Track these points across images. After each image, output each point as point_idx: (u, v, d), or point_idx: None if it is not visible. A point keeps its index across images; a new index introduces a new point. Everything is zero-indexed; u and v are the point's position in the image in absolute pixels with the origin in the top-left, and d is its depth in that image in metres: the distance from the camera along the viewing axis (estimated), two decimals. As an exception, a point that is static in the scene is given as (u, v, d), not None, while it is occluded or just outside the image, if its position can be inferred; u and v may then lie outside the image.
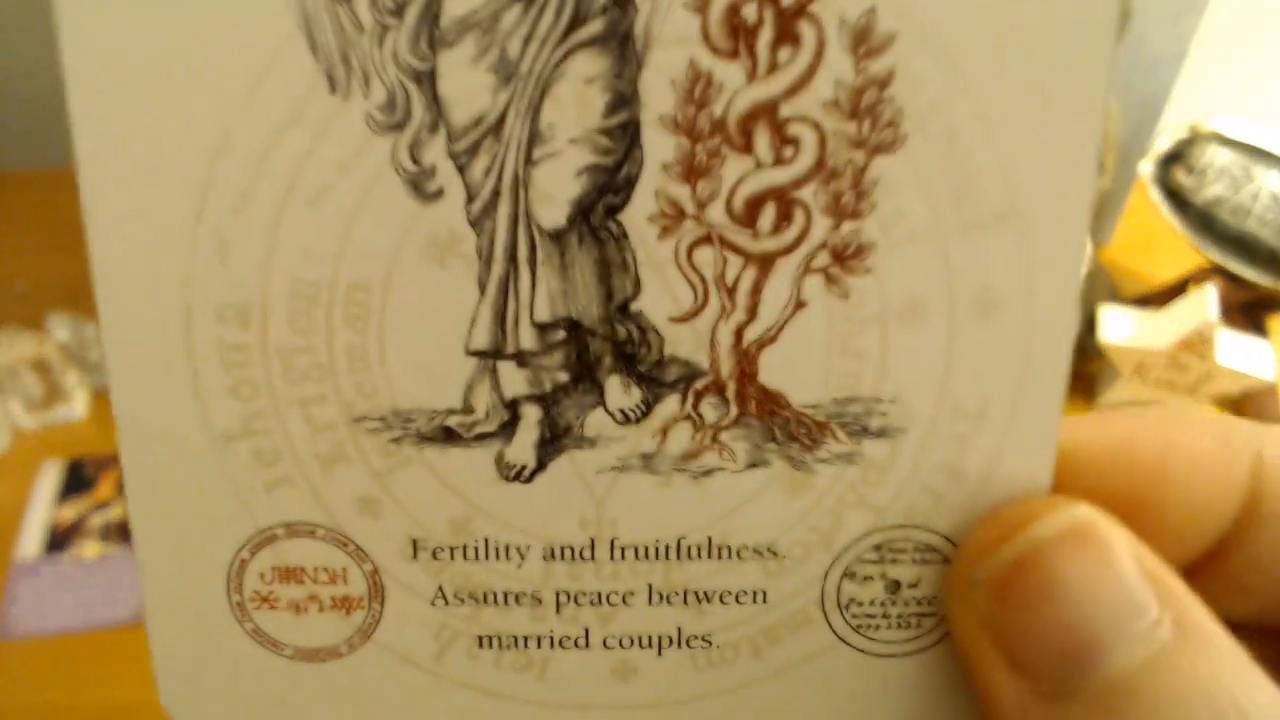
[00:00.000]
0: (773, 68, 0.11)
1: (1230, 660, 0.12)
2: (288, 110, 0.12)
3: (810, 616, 0.14)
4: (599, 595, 0.14)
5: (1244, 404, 0.76)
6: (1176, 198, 0.78)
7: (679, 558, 0.14)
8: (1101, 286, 0.82)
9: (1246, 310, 0.77)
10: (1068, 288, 0.13)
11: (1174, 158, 0.79)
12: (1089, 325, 0.77)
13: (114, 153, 0.12)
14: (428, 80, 0.12)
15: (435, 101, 0.12)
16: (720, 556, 0.14)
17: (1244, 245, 0.76)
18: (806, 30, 0.11)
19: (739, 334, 0.13)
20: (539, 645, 0.14)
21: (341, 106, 0.12)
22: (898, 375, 0.13)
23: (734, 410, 0.13)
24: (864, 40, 0.11)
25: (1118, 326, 0.74)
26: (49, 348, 0.71)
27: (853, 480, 0.13)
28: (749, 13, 0.11)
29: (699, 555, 0.14)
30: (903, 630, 0.14)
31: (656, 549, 0.14)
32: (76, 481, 0.69)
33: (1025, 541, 0.13)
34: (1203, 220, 0.77)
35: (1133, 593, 0.12)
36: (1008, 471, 0.13)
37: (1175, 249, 0.80)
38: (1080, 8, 0.11)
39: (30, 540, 0.66)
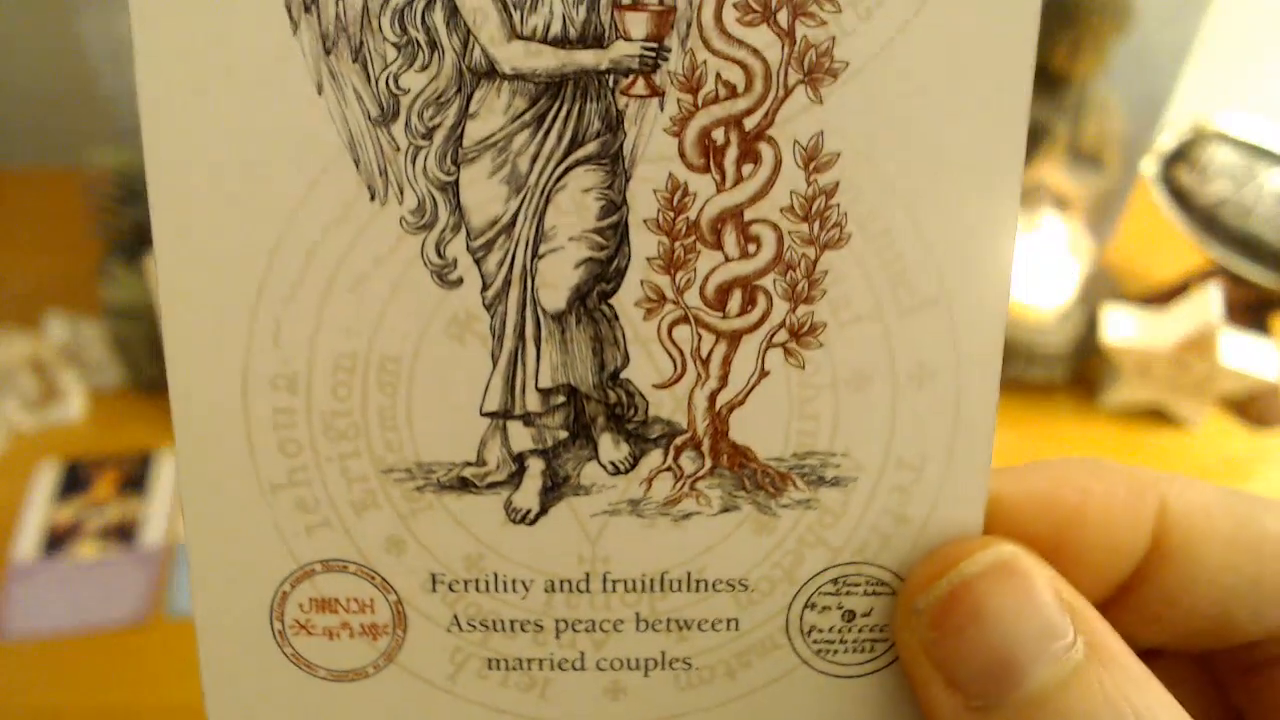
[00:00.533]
0: (738, 180, 0.14)
1: (1136, 678, 0.14)
2: (334, 214, 0.14)
3: (777, 642, 0.16)
4: (593, 623, 0.16)
5: (1247, 404, 0.76)
6: (1179, 197, 0.77)
7: (662, 590, 0.16)
8: (1104, 286, 0.81)
9: (1250, 310, 0.76)
10: (991, 359, 0.15)
11: (1177, 156, 0.78)
12: (1092, 325, 0.76)
13: (186, 247, 0.14)
14: (452, 190, 0.14)
15: (458, 207, 0.14)
16: (698, 589, 0.16)
17: (1247, 244, 0.75)
18: (766, 150, 0.14)
19: (712, 398, 0.15)
20: (540, 667, 0.16)
21: (380, 211, 0.14)
22: (848, 434, 0.15)
23: (709, 463, 0.15)
24: (813, 158, 0.14)
25: (1120, 326, 0.73)
26: (46, 348, 0.70)
27: (811, 523, 0.16)
28: (718, 135, 0.14)
29: (679, 588, 0.16)
30: (858, 654, 0.16)
31: (643, 582, 0.16)
32: (73, 482, 0.68)
33: (958, 575, 0.15)
34: (1206, 219, 0.76)
35: (1050, 619, 0.14)
36: (944, 516, 0.15)
37: (1178, 248, 0.79)
38: (992, 133, 0.14)
39: (27, 541, 0.65)
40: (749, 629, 0.16)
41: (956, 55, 0.13)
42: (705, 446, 0.15)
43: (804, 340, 0.15)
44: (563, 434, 0.15)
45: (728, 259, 0.14)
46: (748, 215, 0.14)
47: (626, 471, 0.15)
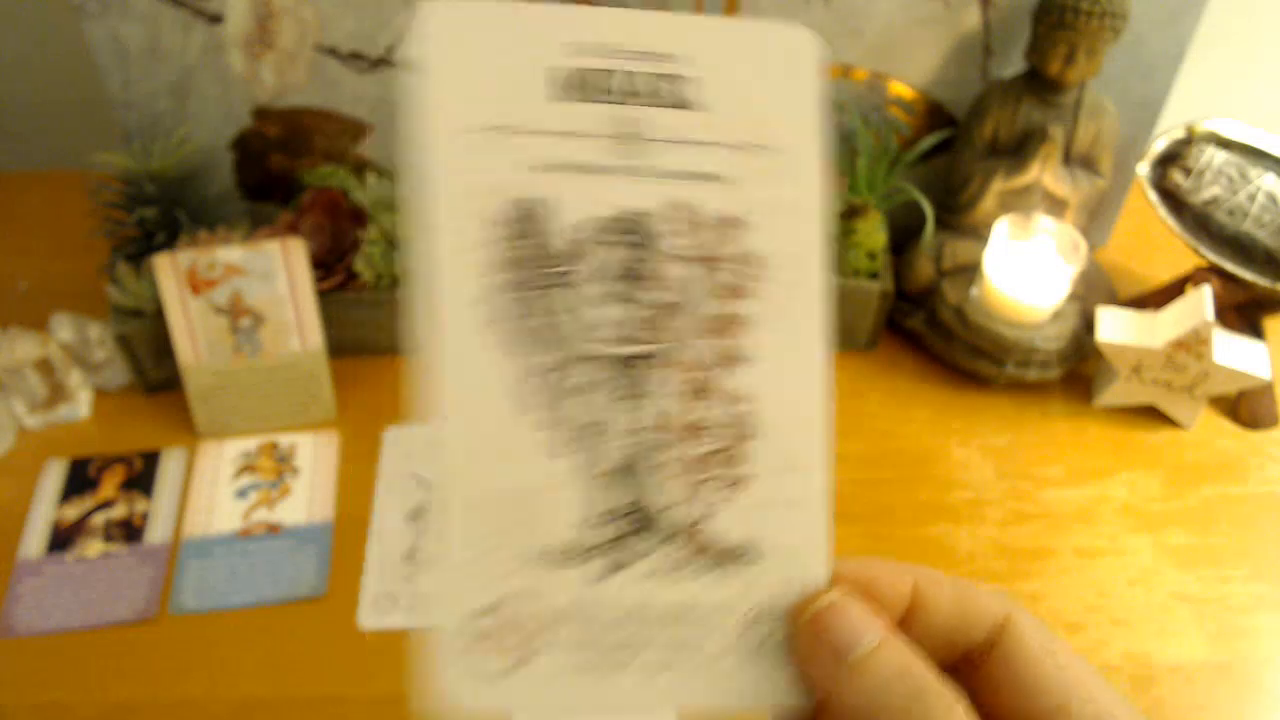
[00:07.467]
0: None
1: (906, 650, 0.28)
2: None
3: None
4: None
5: (1240, 403, 0.78)
6: (1173, 199, 0.77)
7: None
8: (1098, 287, 0.82)
9: (1243, 310, 0.77)
10: (818, 519, 0.29)
11: (1170, 159, 0.79)
12: (1087, 325, 0.77)
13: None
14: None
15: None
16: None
17: (1240, 246, 0.75)
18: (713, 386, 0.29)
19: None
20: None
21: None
22: (759, 538, 0.30)
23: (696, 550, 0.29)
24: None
25: (1115, 327, 0.74)
26: (52, 348, 0.71)
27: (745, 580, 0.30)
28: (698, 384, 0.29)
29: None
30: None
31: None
32: (79, 481, 0.69)
33: (814, 608, 0.29)
34: (1199, 221, 0.76)
35: (861, 623, 0.28)
36: (809, 578, 0.30)
37: (1172, 250, 0.80)
38: (809, 403, 0.29)
39: (33, 539, 0.65)
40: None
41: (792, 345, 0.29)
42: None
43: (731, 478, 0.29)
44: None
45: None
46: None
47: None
